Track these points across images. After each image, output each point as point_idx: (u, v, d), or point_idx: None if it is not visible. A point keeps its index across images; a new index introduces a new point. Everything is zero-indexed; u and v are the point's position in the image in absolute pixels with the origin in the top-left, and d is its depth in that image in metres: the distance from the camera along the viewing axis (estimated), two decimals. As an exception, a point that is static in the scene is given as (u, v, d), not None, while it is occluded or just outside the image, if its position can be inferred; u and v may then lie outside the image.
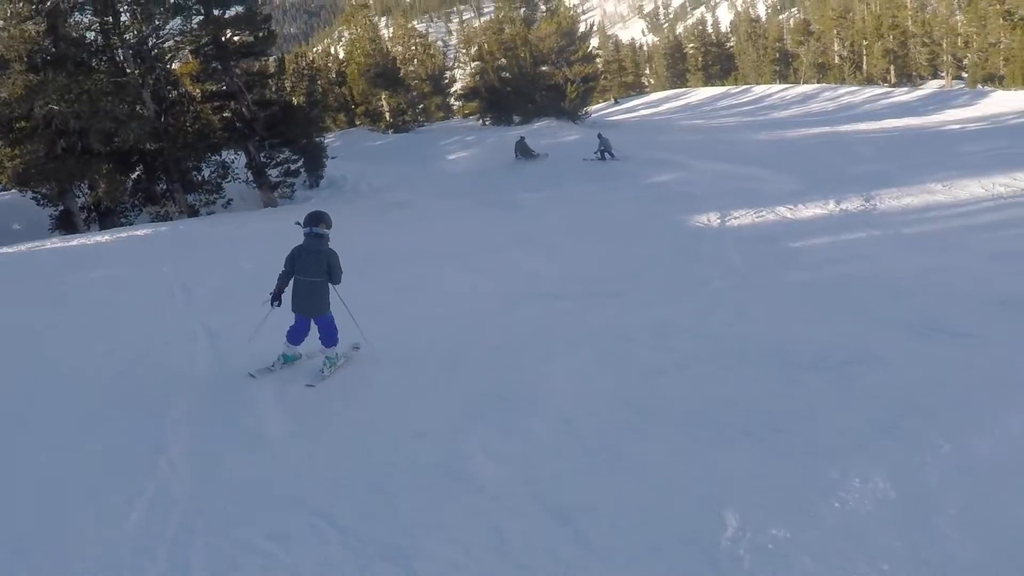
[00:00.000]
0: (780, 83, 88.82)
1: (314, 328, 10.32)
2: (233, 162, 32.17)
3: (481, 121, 56.89)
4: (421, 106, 62.45)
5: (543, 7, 53.97)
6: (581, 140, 42.24)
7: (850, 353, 10.08)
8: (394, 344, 11.45)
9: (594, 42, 69.48)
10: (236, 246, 22.01)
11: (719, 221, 21.60)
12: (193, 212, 29.91)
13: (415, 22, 64.89)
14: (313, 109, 39.64)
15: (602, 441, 8.09)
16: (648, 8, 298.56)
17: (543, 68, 51.22)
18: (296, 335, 10.30)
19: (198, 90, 31.53)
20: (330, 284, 10.13)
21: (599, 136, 37.97)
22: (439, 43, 71.26)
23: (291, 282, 10.07)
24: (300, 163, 33.21)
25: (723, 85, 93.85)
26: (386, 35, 63.74)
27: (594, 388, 9.58)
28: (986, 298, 12.23)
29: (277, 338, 10.63)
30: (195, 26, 30.63)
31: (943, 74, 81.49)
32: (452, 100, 68.61)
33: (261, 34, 31.44)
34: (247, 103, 31.14)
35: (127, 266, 19.88)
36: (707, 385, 9.44)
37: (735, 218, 21.79)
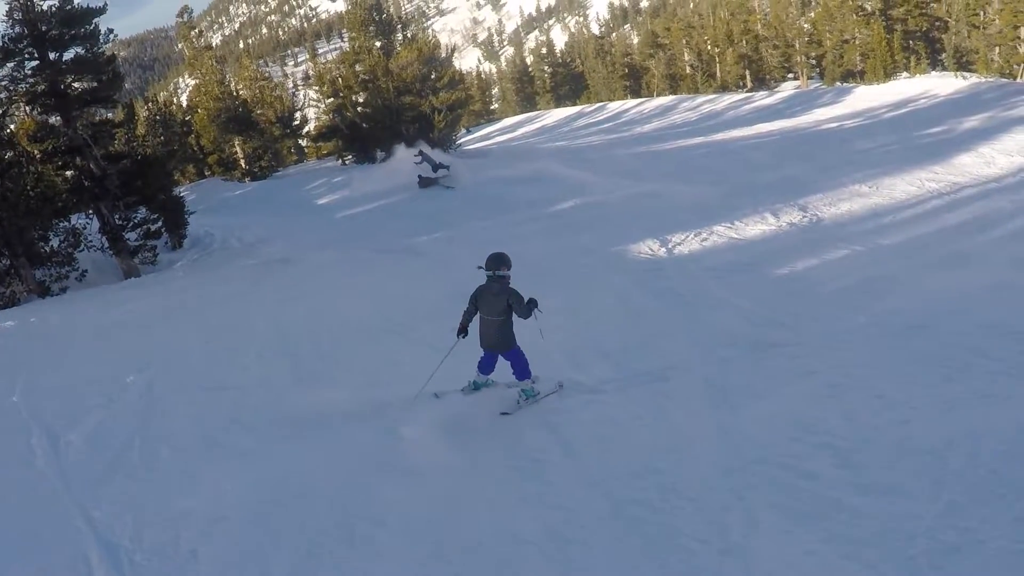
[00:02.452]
0: (632, 98, 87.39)
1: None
2: (85, 227, 28.01)
3: (341, 160, 53.84)
4: (273, 151, 58.81)
5: (400, 35, 51.23)
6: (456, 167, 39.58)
7: None
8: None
9: (466, 61, 67.14)
10: (111, 342, 17.90)
11: (664, 249, 20.45)
12: (44, 290, 25.70)
13: (263, 81, 61.77)
14: (170, 159, 35.32)
15: None
16: (482, 37, 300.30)
17: (406, 99, 48.36)
18: (485, 367, 11.15)
19: (36, 150, 27.41)
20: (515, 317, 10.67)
21: (420, 152, 38.55)
22: (288, 83, 67.44)
23: (477, 318, 10.86)
24: (160, 223, 29.20)
25: (575, 105, 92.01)
26: (231, 79, 60.02)
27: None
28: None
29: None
30: (28, 72, 26.76)
31: (798, 75, 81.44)
32: (305, 141, 65.26)
33: (105, 77, 27.53)
34: (95, 158, 27.13)
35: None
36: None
37: (678, 244, 20.72)
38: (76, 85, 27.45)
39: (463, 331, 10.85)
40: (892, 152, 30.98)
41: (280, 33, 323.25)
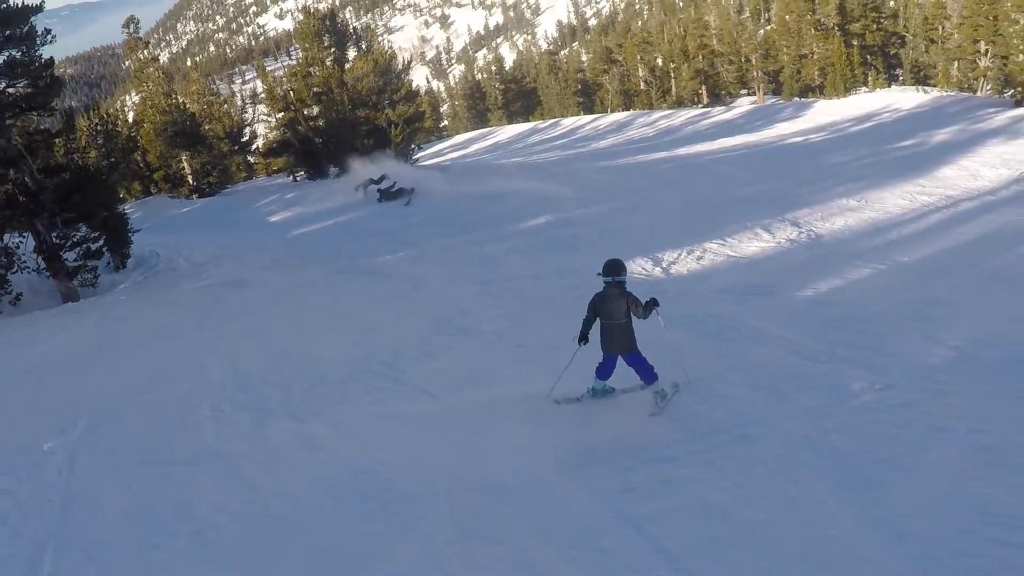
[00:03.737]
0: (586, 114, 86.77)
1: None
2: (19, 247, 25.68)
3: (292, 177, 52.41)
4: (221, 167, 56.86)
5: (355, 47, 49.56)
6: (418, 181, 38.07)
7: None
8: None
9: (415, 78, 65.57)
10: (29, 391, 15.18)
11: (659, 269, 19.26)
12: (-29, 315, 23.45)
13: (211, 96, 59.98)
14: (112, 172, 32.77)
15: None
16: (430, 55, 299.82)
17: (361, 113, 46.66)
18: (604, 371, 11.07)
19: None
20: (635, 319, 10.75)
21: (372, 181, 37.10)
22: (236, 98, 65.41)
23: (597, 325, 10.91)
24: (102, 241, 27.02)
25: (529, 121, 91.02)
26: (178, 94, 58.01)
27: None
28: None
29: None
30: (-47, 76, 24.24)
31: (754, 90, 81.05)
32: (254, 157, 63.36)
33: (42, 83, 25.30)
34: (30, 170, 24.92)
35: None
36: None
37: (672, 262, 19.53)
38: (10, 91, 25.21)
39: (584, 339, 10.99)
40: (868, 166, 30.71)
41: (228, 51, 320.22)
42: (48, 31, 25.47)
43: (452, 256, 23.51)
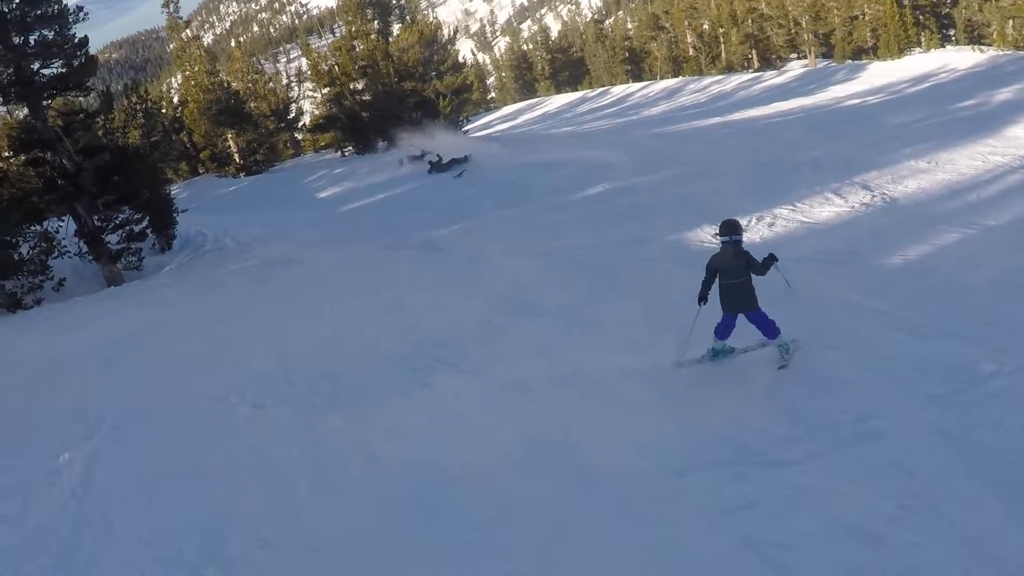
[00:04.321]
0: (635, 82, 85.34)
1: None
2: (59, 231, 24.85)
3: (340, 152, 51.22)
4: (268, 145, 56.20)
5: (397, 15, 48.52)
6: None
7: None
8: None
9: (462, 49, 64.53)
10: (52, 386, 14.05)
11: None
12: (14, 303, 22.49)
13: (256, 74, 59.31)
14: (155, 151, 31.74)
15: None
16: (474, 28, 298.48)
17: (408, 85, 45.66)
18: (724, 331, 10.90)
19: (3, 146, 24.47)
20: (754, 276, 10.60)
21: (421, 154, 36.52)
22: (281, 75, 64.74)
23: (716, 285, 10.70)
24: (145, 223, 26.20)
25: (577, 90, 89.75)
26: (222, 72, 57.26)
27: None
28: None
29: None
30: (-10, 57, 23.38)
31: (805, 54, 79.14)
32: (300, 134, 62.64)
33: (77, 62, 24.41)
34: (68, 152, 24.07)
35: None
36: None
37: (744, 231, 17.29)
38: (44, 72, 24.36)
39: (704, 299, 10.84)
40: (932, 127, 29.36)
41: (271, 30, 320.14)
42: (80, 8, 24.65)
43: (509, 228, 22.62)
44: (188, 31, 52.80)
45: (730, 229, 10.71)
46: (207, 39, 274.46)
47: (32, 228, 23.85)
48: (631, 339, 11.36)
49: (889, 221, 17.68)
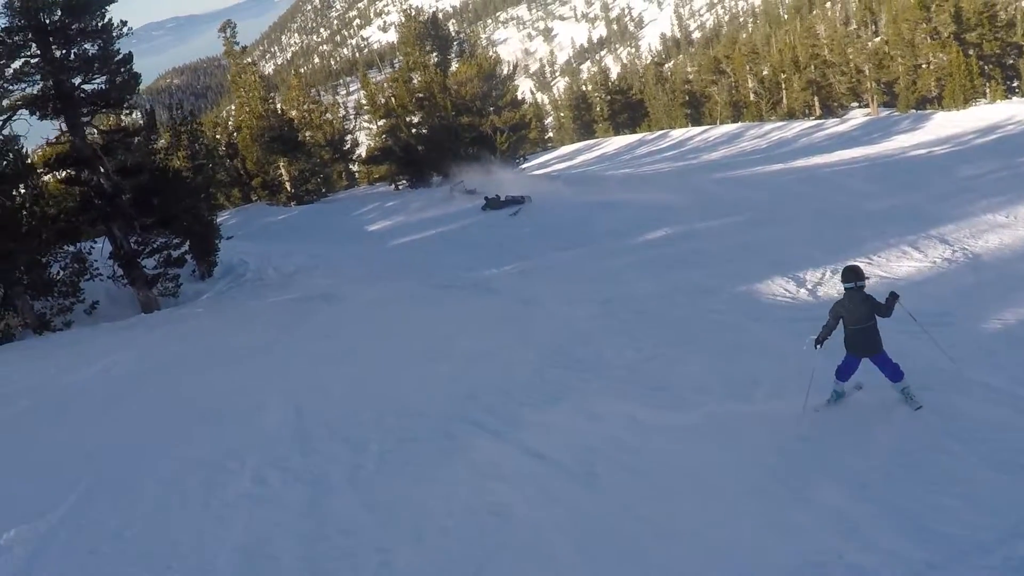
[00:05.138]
0: (694, 126, 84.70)
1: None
2: (91, 252, 23.90)
3: (394, 185, 50.78)
4: (322, 175, 55.70)
5: (456, 50, 47.82)
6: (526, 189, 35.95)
7: None
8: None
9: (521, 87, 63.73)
10: (34, 436, 12.56)
11: (804, 290, 17.08)
12: (42, 324, 21.63)
13: (311, 103, 58.95)
14: (199, 174, 30.74)
15: None
16: (533, 68, 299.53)
17: (464, 119, 44.86)
18: (845, 373, 10.74)
19: (37, 156, 23.56)
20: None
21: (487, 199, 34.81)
22: (338, 106, 64.37)
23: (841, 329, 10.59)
24: (184, 248, 25.22)
25: (635, 132, 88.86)
26: (278, 99, 56.86)
27: None
28: None
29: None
30: (29, 69, 22.57)
31: (867, 102, 77.90)
32: (355, 166, 62.15)
33: (119, 79, 23.49)
34: (106, 171, 23.12)
35: None
36: None
37: (817, 283, 17.40)
38: (86, 87, 23.46)
39: (821, 343, 10.68)
40: (1005, 179, 27.77)
41: (332, 63, 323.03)
42: (124, 23, 23.68)
43: (564, 271, 21.45)
44: (243, 57, 52.16)
45: (855, 276, 10.63)
46: (268, 68, 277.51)
47: (65, 248, 22.91)
48: (708, 412, 10.08)
49: (976, 280, 16.26)
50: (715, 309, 15.31)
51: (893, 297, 10.57)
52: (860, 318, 10.48)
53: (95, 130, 24.16)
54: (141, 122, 27.08)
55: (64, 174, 23.93)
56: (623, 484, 8.72)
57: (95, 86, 23.50)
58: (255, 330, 18.28)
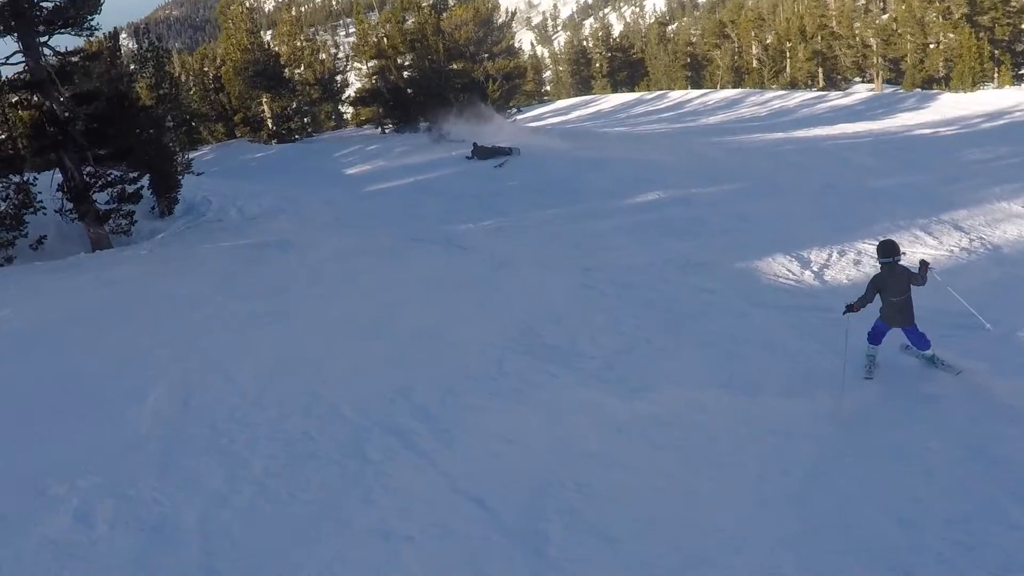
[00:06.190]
0: (694, 89, 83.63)
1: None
2: (35, 183, 21.90)
3: (380, 129, 49.10)
4: (308, 115, 54.10)
5: (455, -6, 46.19)
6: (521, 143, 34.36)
7: None
8: None
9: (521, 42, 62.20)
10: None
11: (809, 272, 15.70)
12: (-20, 259, 19.94)
13: (303, 38, 57.09)
14: (161, 105, 28.79)
15: None
16: (536, 20, 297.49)
17: (456, 65, 43.19)
18: (877, 337, 11.00)
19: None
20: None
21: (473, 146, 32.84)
22: (329, 44, 62.56)
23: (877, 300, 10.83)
24: (141, 183, 23.40)
25: (633, 91, 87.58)
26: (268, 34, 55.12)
27: None
28: None
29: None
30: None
31: (871, 77, 76.57)
32: (344, 107, 60.54)
33: (80, -3, 21.50)
34: (61, 97, 21.37)
35: None
36: None
37: (823, 265, 16.07)
38: (45, 5, 21.56)
39: (852, 310, 10.78)
40: (1016, 167, 26.76)
41: (334, 3, 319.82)
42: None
43: (546, 231, 19.95)
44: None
45: (891, 251, 10.83)
46: (268, 6, 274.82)
47: (8, 178, 21.15)
48: (700, 425, 8.53)
49: (1002, 274, 14.81)
50: (709, 288, 13.84)
51: (924, 265, 10.76)
52: (898, 290, 10.70)
53: (51, 52, 22.21)
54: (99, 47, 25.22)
55: (16, 98, 22.04)
56: (585, 558, 6.88)
57: (54, 2, 21.61)
58: (191, 280, 16.55)
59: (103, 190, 22.37)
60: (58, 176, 22.14)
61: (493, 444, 8.65)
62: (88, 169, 22.07)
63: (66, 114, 21.29)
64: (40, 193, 21.65)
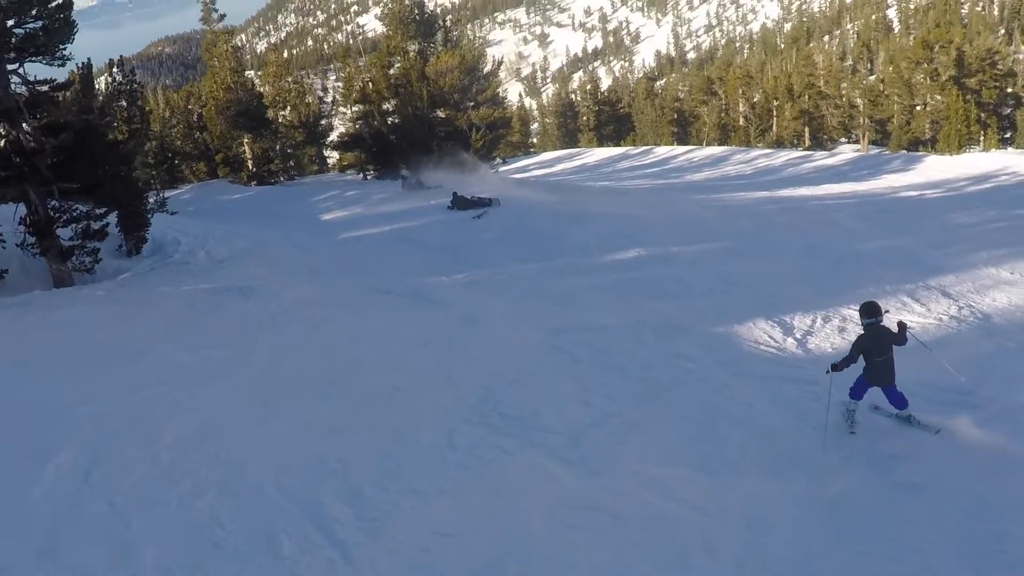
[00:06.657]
0: (680, 145, 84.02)
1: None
2: (-6, 216, 21.38)
3: (362, 175, 48.65)
4: (292, 158, 53.59)
5: (441, 38, 45.76)
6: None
7: None
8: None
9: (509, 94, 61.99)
10: None
11: (791, 340, 14.93)
12: (-63, 292, 19.24)
13: (290, 79, 56.72)
14: (131, 140, 28.13)
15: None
16: (525, 72, 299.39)
17: (440, 112, 42.83)
18: (859, 392, 11.17)
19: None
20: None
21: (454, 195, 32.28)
22: (316, 88, 62.30)
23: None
24: (107, 220, 22.75)
25: (619, 146, 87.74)
26: (253, 75, 54.74)
27: None
28: None
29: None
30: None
31: (858, 138, 76.96)
32: (328, 151, 60.15)
33: (54, 24, 20.83)
34: (29, 129, 20.76)
35: None
36: None
37: (806, 332, 15.59)
38: (17, 31, 20.98)
39: (836, 369, 10.89)
40: (1004, 231, 26.88)
41: (325, 47, 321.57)
42: (70, -40, 21.27)
43: (521, 286, 19.40)
44: (221, 22, 49.64)
45: (874, 311, 11.04)
46: (261, 46, 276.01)
47: (-31, 209, 20.52)
48: (669, 518, 7.83)
49: (994, 347, 14.30)
50: (686, 354, 13.26)
51: (902, 326, 11.06)
52: (883, 350, 10.88)
53: (19, 80, 21.60)
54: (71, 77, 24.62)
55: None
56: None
57: (25, 29, 21.03)
58: (142, 326, 15.85)
59: (67, 225, 21.73)
60: (22, 209, 21.49)
61: (423, 538, 7.91)
62: (53, 203, 21.46)
63: (32, 145, 20.67)
64: (1, 226, 21.01)
